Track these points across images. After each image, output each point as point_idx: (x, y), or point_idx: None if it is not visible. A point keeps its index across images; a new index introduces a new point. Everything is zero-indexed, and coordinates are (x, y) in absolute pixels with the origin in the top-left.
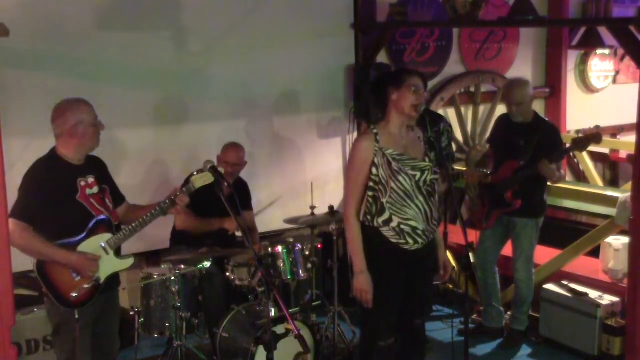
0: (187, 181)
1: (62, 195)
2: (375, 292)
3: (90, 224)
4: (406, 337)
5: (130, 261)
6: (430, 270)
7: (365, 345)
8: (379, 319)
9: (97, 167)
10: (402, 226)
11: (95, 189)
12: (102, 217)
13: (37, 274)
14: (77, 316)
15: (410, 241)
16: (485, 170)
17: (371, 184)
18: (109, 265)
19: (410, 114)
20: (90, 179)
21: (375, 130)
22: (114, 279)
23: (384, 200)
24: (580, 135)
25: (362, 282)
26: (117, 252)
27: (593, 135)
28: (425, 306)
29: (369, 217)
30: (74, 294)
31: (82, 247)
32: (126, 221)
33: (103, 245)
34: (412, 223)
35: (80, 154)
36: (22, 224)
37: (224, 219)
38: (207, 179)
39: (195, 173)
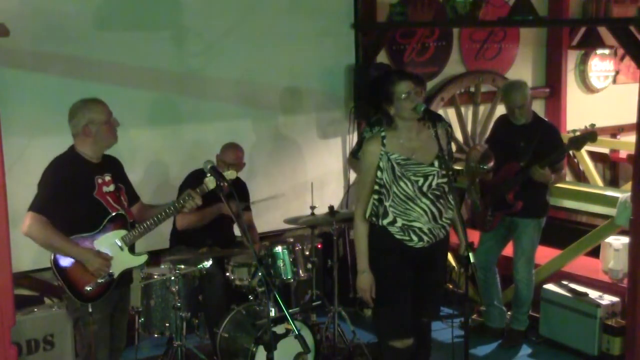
0: (197, 179)
1: (79, 191)
2: (383, 290)
3: (106, 220)
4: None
5: (143, 258)
6: (439, 270)
7: (380, 346)
8: (388, 317)
9: (113, 166)
10: (406, 226)
11: (112, 187)
12: (118, 213)
13: (53, 268)
14: (90, 309)
15: (415, 238)
16: (485, 167)
17: (376, 187)
18: (123, 261)
19: (411, 118)
20: (107, 177)
21: (383, 134)
22: (128, 275)
23: (387, 204)
24: (576, 134)
25: (362, 281)
26: (131, 249)
27: (589, 134)
28: (430, 305)
29: (374, 219)
30: (88, 288)
31: (98, 242)
32: (140, 220)
33: (118, 241)
34: (416, 224)
35: (98, 152)
36: (41, 218)
37: (221, 204)
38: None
39: (209, 175)
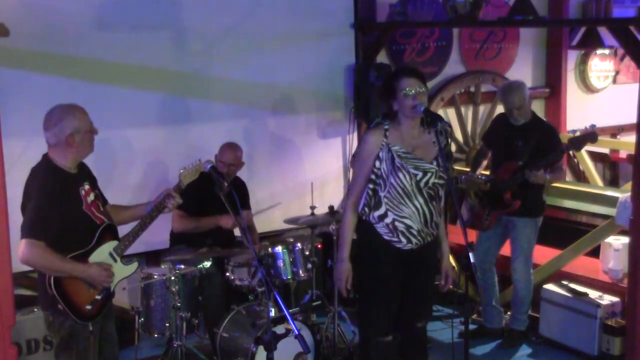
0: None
1: (70, 208)
2: (369, 288)
3: (97, 233)
4: (406, 339)
5: (135, 265)
6: (429, 271)
7: (363, 342)
8: (373, 314)
9: (87, 173)
10: (397, 223)
11: (92, 196)
12: (106, 224)
13: (53, 291)
14: (91, 328)
15: (404, 240)
16: (484, 178)
17: (373, 176)
18: (118, 273)
19: (410, 115)
20: (87, 186)
21: (386, 126)
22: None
23: (382, 194)
24: (576, 134)
25: (339, 270)
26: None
27: (589, 135)
28: (423, 308)
29: (366, 210)
30: (89, 307)
31: (93, 258)
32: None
33: (111, 253)
34: (407, 221)
35: (76, 162)
36: (39, 243)
37: (219, 217)
38: (194, 174)
39: (182, 170)
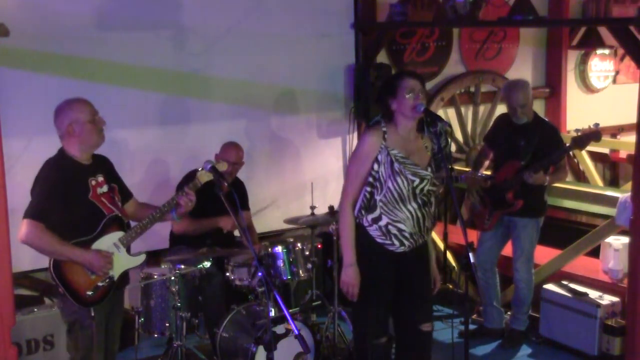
0: (192, 178)
1: (75, 195)
2: (363, 290)
3: (102, 223)
4: (409, 342)
5: (142, 258)
6: (424, 273)
7: (358, 345)
8: (367, 317)
9: (104, 166)
10: (390, 227)
11: (105, 188)
12: (114, 215)
13: (53, 275)
14: (93, 314)
15: (396, 242)
16: (484, 175)
17: (370, 179)
18: (122, 263)
19: (410, 115)
20: (100, 178)
21: (384, 129)
22: (124, 277)
23: (378, 198)
24: (579, 133)
25: (350, 275)
26: (128, 250)
27: (593, 133)
28: (422, 309)
29: (362, 212)
30: (90, 293)
31: (96, 246)
32: (135, 219)
33: (116, 243)
34: (401, 225)
35: (86, 152)
36: (38, 224)
37: (219, 218)
38: (210, 174)
39: (200, 169)
